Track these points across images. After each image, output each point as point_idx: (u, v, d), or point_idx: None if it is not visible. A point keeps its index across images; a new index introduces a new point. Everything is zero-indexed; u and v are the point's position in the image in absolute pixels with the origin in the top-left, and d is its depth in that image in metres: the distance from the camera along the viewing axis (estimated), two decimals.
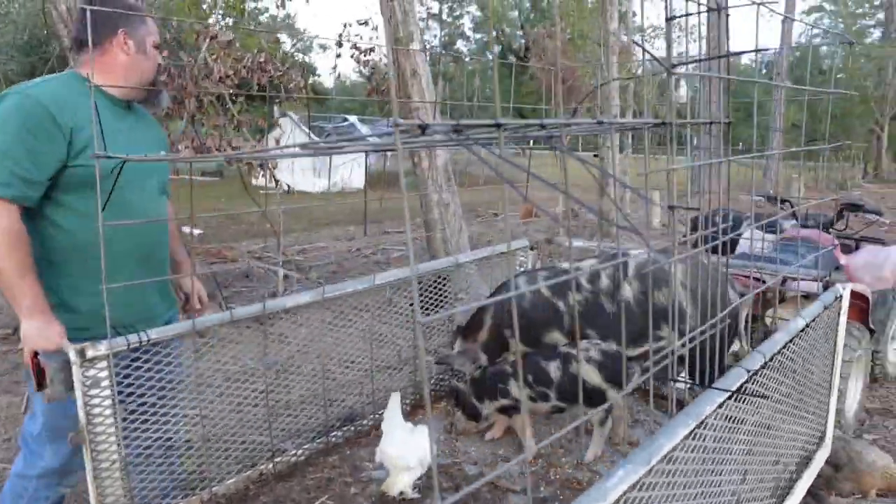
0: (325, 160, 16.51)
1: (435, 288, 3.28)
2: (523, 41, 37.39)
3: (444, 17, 39.69)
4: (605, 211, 9.98)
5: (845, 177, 19.06)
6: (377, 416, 2.99)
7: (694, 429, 1.46)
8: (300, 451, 2.67)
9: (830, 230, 4.70)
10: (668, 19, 1.41)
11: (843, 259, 4.37)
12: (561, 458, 2.73)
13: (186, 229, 6.97)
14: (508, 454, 2.79)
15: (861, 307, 3.68)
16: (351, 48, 5.05)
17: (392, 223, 12.71)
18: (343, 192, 17.32)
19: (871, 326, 3.81)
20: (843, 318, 2.57)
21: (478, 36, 38.84)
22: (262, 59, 4.01)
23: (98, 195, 1.64)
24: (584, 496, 1.17)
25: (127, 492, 2.12)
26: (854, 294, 3.18)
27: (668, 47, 1.41)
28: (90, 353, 1.97)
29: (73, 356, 1.94)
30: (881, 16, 27.45)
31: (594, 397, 2.62)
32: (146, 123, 2.37)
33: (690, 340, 1.66)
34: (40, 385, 2.02)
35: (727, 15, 1.89)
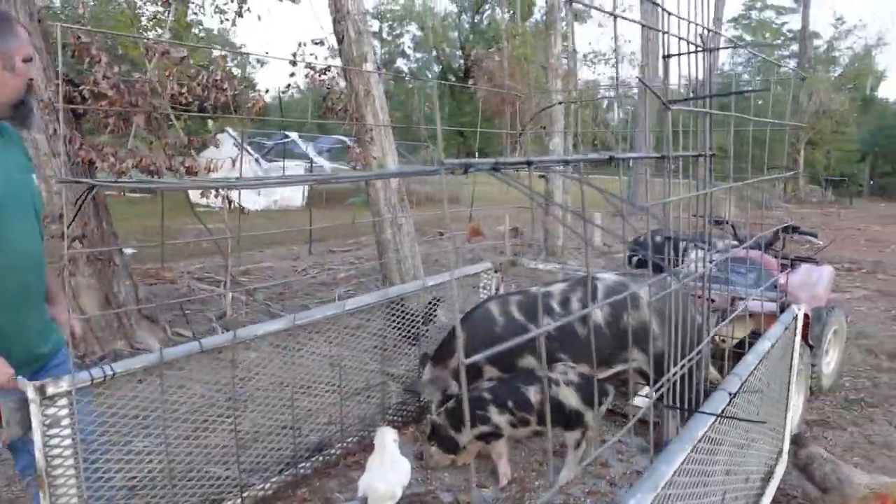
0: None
1: (400, 312, 3.25)
2: (462, 61, 37.93)
3: (385, 35, 39.81)
4: (550, 230, 10.21)
5: (772, 196, 20.17)
6: (346, 444, 2.91)
7: (689, 453, 1.49)
8: (268, 486, 2.57)
9: (769, 251, 4.94)
10: (665, 57, 1.46)
11: (781, 278, 4.60)
12: (535, 482, 2.74)
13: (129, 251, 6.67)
14: (480, 479, 2.77)
15: (802, 324, 3.88)
16: (306, 67, 4.98)
17: (336, 242, 12.55)
18: (287, 210, 16.99)
19: (810, 342, 4.01)
20: (798, 338, 2.70)
21: (418, 55, 39.11)
22: (217, 77, 3.89)
23: None
24: None
25: None
26: None
27: (666, 85, 1.46)
28: (51, 390, 1.85)
29: (31, 394, 1.81)
30: (795, 47, 29.40)
31: (572, 419, 2.64)
32: (6, 143, 1.99)
33: (680, 367, 1.70)
34: None
35: (715, 53, 1.97)
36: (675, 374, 1.62)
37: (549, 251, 10.20)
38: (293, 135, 21.78)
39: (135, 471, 2.12)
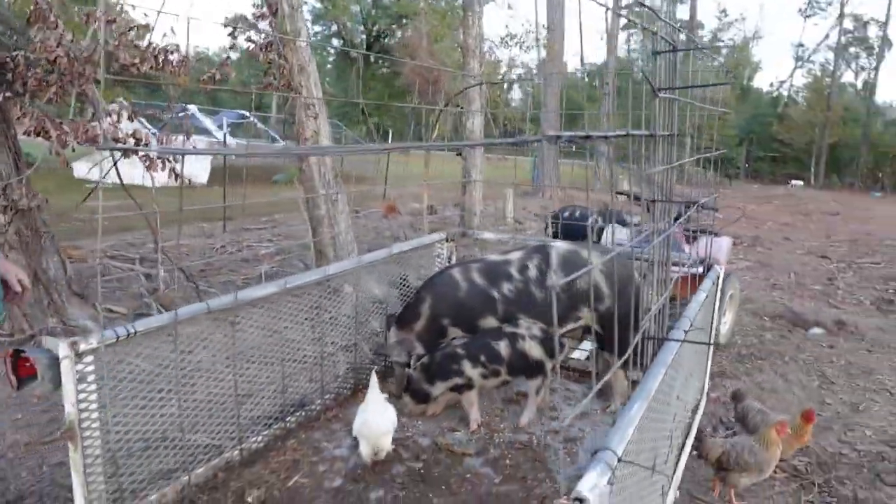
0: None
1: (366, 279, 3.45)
2: (364, 37, 37.43)
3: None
4: (469, 206, 10.59)
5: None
6: (325, 400, 3.12)
7: (666, 372, 1.86)
8: (259, 438, 2.74)
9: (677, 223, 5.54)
10: (654, 53, 1.79)
11: (687, 247, 5.21)
12: (500, 425, 3.08)
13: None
14: (452, 425, 3.07)
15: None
16: (246, 41, 4.96)
17: (248, 220, 12.33)
18: (193, 186, 16.32)
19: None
20: (719, 293, 3.19)
21: (317, 28, 38.12)
22: (167, 48, 3.83)
23: None
24: (618, 420, 1.50)
25: (113, 487, 2.10)
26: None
27: (655, 75, 1.78)
28: (81, 347, 1.94)
29: (63, 351, 1.90)
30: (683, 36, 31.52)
31: (535, 369, 2.99)
32: None
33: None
34: (20, 384, 1.95)
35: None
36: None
37: (466, 225, 10.59)
38: (192, 108, 20.84)
39: (150, 423, 2.24)
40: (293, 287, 2.74)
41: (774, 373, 5.43)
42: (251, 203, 10.69)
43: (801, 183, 26.60)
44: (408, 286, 3.62)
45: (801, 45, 41.94)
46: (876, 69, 32.07)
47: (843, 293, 8.83)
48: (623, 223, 6.89)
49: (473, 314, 3.19)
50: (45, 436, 3.68)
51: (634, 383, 3.40)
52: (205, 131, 19.51)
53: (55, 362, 1.91)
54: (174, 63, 3.88)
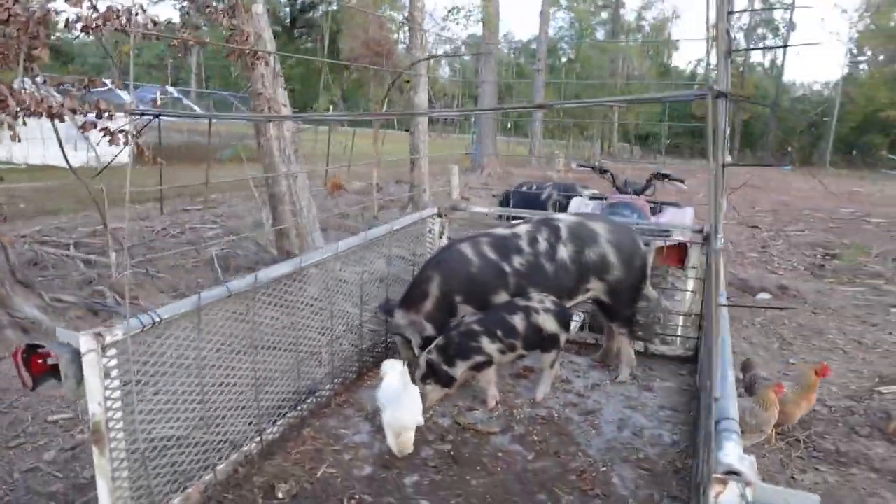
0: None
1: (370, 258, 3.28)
2: (289, 9, 36.09)
3: None
4: (418, 182, 10.44)
5: (589, 153, 22.30)
6: (334, 385, 2.97)
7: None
8: (275, 429, 2.57)
9: (642, 195, 5.62)
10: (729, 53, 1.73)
11: (653, 219, 5.30)
12: (516, 400, 3.02)
13: None
14: (468, 403, 2.99)
15: (680, 255, 4.56)
16: (206, 6, 4.59)
17: (182, 200, 11.69)
18: (112, 168, 15.29)
19: (684, 268, 4.74)
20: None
21: None
22: (130, 7, 3.45)
23: None
24: (721, 389, 1.46)
25: (139, 493, 1.89)
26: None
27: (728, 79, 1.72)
28: (107, 340, 1.73)
29: (90, 344, 1.68)
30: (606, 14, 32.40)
31: (550, 342, 2.95)
32: None
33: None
34: (35, 383, 1.72)
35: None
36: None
37: (415, 204, 10.45)
38: (109, 82, 19.49)
39: (174, 418, 2.04)
40: (307, 265, 2.56)
41: (739, 336, 5.66)
42: (220, 182, 10.06)
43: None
44: (408, 263, 3.49)
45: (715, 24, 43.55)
46: (784, 50, 33.90)
47: (779, 260, 9.34)
48: (577, 193, 6.98)
49: (486, 290, 3.11)
50: (9, 440, 3.35)
51: (637, 353, 3.43)
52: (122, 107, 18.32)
53: (77, 357, 1.69)
54: (141, 25, 3.52)
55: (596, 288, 3.26)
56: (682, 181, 5.81)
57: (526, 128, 21.55)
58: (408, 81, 8.99)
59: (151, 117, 5.34)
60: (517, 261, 3.13)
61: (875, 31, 30.38)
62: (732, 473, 1.16)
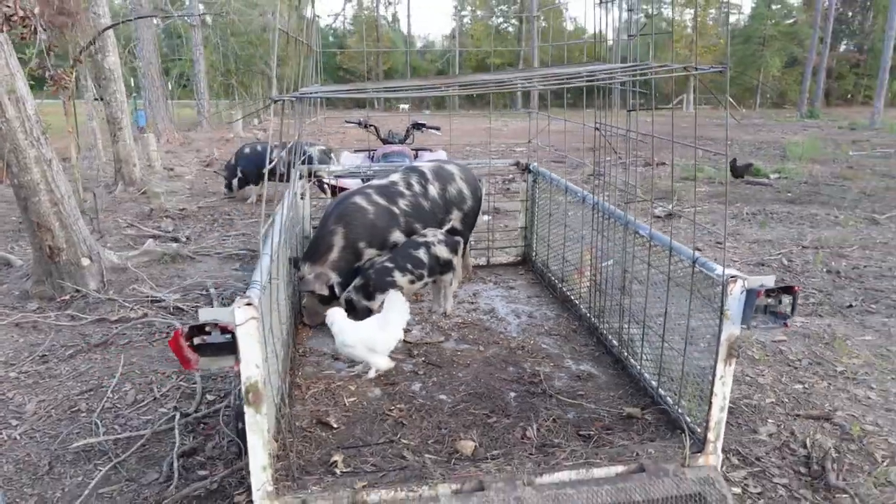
0: None
1: None
2: None
3: None
4: (125, 156, 9.42)
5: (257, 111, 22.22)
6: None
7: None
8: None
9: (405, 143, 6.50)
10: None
11: (416, 162, 6.26)
12: (433, 317, 3.70)
13: None
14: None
15: None
16: None
17: None
18: None
19: None
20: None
21: None
22: None
23: None
24: None
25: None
26: None
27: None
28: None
29: (245, 313, 1.85)
30: None
31: (447, 267, 3.66)
32: None
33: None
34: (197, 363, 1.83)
35: None
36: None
37: (125, 180, 9.49)
38: None
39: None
40: None
41: None
42: None
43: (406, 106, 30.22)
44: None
45: None
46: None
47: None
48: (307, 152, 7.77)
49: (385, 232, 3.65)
50: None
51: (481, 266, 4.39)
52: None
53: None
54: None
55: (455, 217, 4.05)
56: (437, 129, 6.87)
57: (191, 87, 20.32)
58: (92, 43, 7.96)
59: None
60: (402, 203, 3.74)
61: None
62: None
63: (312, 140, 9.32)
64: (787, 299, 2.07)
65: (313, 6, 4.08)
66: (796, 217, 8.40)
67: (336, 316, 3.00)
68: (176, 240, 6.88)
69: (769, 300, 2.06)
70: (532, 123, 5.08)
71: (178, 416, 3.24)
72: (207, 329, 1.83)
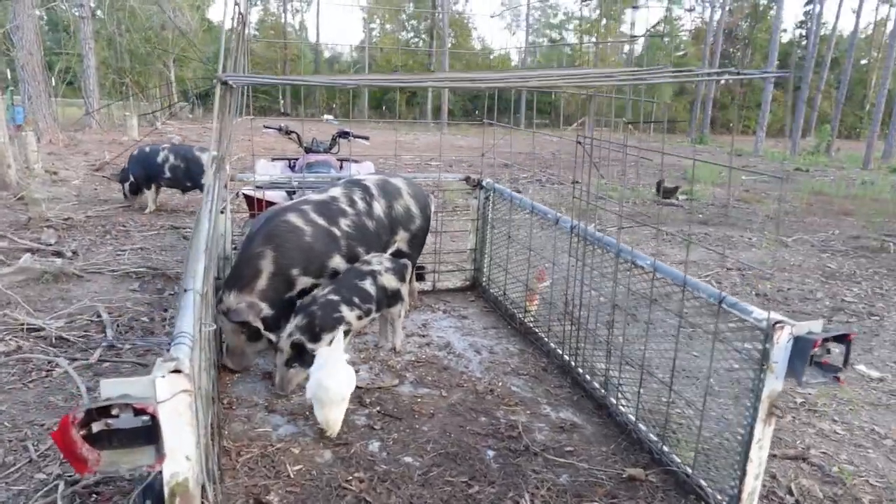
0: None
1: None
2: None
3: None
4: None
5: (158, 113, 20.58)
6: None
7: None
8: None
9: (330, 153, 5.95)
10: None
11: (342, 173, 5.74)
12: (381, 354, 3.19)
13: None
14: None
15: None
16: None
17: None
18: None
19: None
20: None
21: None
22: None
23: None
24: None
25: None
26: None
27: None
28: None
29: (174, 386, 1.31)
30: None
31: (395, 298, 3.17)
32: None
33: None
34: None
35: None
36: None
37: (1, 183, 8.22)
38: None
39: None
40: None
41: None
42: None
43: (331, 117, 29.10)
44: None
45: None
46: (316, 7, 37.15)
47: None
48: (194, 156, 7.35)
49: (323, 257, 3.11)
50: None
51: (426, 291, 3.97)
52: None
53: None
54: None
55: (401, 238, 3.56)
56: (366, 138, 6.36)
57: (78, 84, 18.53)
58: None
59: None
60: (343, 223, 3.21)
61: None
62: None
63: (200, 146, 8.59)
64: (836, 348, 1.78)
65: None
66: (713, 239, 8.56)
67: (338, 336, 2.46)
68: (59, 254, 5.91)
69: (815, 350, 1.77)
70: (485, 137, 4.71)
71: (61, 486, 2.54)
72: (113, 411, 1.25)
